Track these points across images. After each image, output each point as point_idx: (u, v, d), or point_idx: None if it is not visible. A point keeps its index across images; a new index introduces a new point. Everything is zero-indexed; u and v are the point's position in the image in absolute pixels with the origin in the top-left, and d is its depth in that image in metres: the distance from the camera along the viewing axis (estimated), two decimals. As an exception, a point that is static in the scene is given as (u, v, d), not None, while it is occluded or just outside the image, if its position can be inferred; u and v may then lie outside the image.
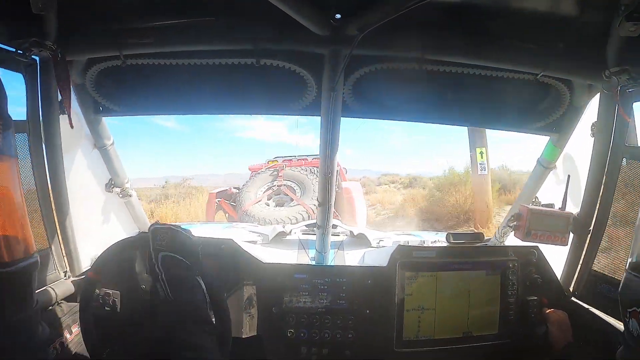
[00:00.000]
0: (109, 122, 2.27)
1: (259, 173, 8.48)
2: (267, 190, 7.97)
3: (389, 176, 29.16)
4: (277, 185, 7.94)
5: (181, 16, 1.76)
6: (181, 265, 1.52)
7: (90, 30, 1.80)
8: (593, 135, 1.99)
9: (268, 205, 7.70)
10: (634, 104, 1.82)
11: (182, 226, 1.61)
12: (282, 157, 9.34)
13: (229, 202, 8.65)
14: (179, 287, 1.48)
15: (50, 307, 1.90)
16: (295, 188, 7.84)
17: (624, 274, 1.17)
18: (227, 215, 8.70)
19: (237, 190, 8.39)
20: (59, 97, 1.93)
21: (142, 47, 1.83)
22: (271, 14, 1.58)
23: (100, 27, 1.80)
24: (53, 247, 2.01)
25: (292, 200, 7.63)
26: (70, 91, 1.84)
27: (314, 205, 6.44)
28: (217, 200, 8.85)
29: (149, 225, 1.60)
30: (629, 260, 1.16)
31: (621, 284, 1.17)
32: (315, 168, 8.25)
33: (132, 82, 2.07)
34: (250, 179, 8.47)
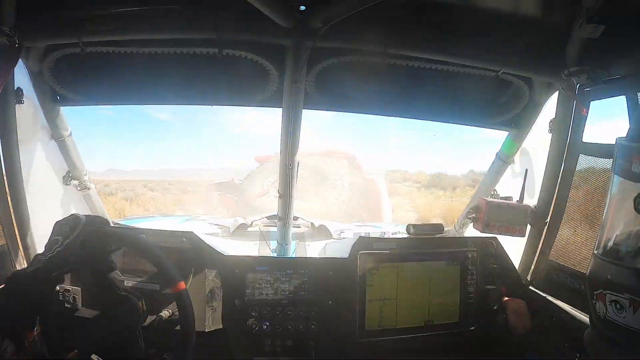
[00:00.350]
0: (69, 113, 2.20)
1: (267, 162, 7.82)
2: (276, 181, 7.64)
3: (398, 172, 26.60)
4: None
5: (143, 3, 1.72)
6: None
7: (49, 16, 1.73)
8: (551, 131, 2.06)
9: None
10: (591, 102, 1.89)
11: (140, 219, 1.60)
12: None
13: (231, 195, 8.06)
14: None
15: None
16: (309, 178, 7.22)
17: (592, 258, 1.19)
18: (230, 212, 7.83)
19: (240, 182, 7.85)
20: (15, 86, 1.87)
21: (102, 34, 1.77)
22: (235, 4, 1.57)
23: (60, 13, 1.74)
24: (10, 243, 1.95)
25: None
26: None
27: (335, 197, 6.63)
28: (217, 193, 8.27)
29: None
30: (596, 243, 1.18)
31: (589, 268, 1.20)
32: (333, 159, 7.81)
33: (92, 70, 2.00)
34: (255, 169, 7.88)
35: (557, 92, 2.00)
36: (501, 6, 1.73)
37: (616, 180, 1.12)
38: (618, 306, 1.04)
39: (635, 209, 1.02)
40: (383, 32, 1.77)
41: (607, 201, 1.18)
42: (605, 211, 1.18)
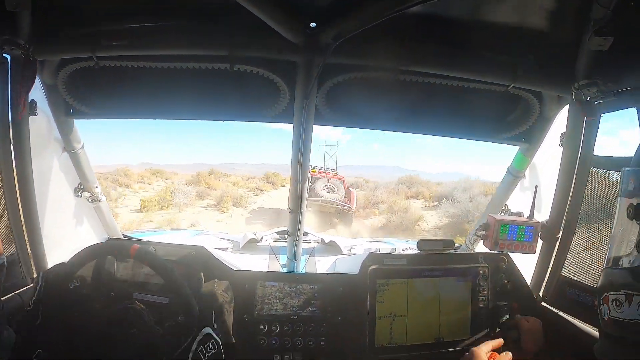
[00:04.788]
0: (79, 125, 2.22)
1: (318, 177, 19.45)
2: (324, 186, 19.21)
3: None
4: (329, 185, 20.06)
5: (156, 19, 1.74)
6: None
7: (64, 30, 1.76)
8: (562, 145, 2.04)
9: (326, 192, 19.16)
10: (602, 115, 1.88)
11: (150, 233, 1.60)
12: (313, 166, 19.45)
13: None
14: None
15: (17, 315, 1.85)
16: (333, 187, 20.02)
17: (602, 270, 1.27)
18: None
19: (312, 184, 17.42)
20: (29, 98, 1.89)
21: (115, 49, 1.79)
22: (246, 21, 1.58)
23: (74, 28, 1.76)
24: (20, 252, 1.95)
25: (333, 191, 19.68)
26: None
27: (339, 195, 19.96)
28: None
29: (201, 316, 1.66)
30: (606, 257, 1.28)
31: (600, 280, 1.25)
32: (337, 180, 20.98)
33: (105, 84, 2.02)
34: (315, 179, 18.82)
35: (568, 105, 1.98)
36: (510, 21, 1.72)
37: (619, 201, 1.27)
38: (617, 303, 1.13)
39: (627, 215, 1.16)
40: (393, 49, 1.77)
41: (614, 221, 1.29)
42: (612, 230, 1.29)
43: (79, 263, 1.70)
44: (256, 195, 27.46)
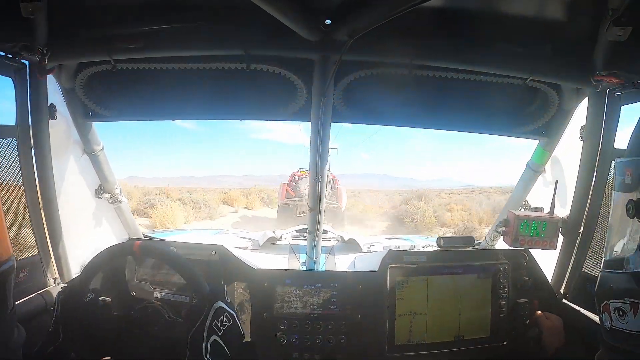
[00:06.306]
0: (98, 127, 2.25)
1: (303, 177, 16.12)
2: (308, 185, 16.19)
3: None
4: None
5: (171, 21, 1.76)
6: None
7: (80, 35, 1.78)
8: (582, 138, 2.00)
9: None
10: (622, 107, 1.84)
11: (170, 232, 1.61)
12: (304, 168, 16.87)
13: (290, 188, 16.59)
14: None
15: (40, 314, 1.88)
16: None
17: (600, 273, 1.20)
18: (291, 194, 16.84)
19: (295, 184, 16.26)
20: (49, 102, 1.92)
21: (132, 52, 1.81)
22: (261, 19, 1.57)
23: (91, 32, 1.78)
24: (42, 254, 1.99)
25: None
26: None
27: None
28: (286, 186, 16.89)
29: (210, 292, 1.66)
30: (603, 259, 1.20)
31: (597, 283, 1.20)
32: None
33: (123, 87, 2.05)
34: (299, 178, 16.26)
35: (587, 97, 1.94)
36: (526, 13, 1.69)
37: (615, 195, 1.18)
38: (620, 312, 1.06)
39: (628, 213, 1.07)
40: (409, 44, 1.76)
41: (610, 218, 1.21)
42: (608, 228, 1.22)
43: (90, 275, 1.73)
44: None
